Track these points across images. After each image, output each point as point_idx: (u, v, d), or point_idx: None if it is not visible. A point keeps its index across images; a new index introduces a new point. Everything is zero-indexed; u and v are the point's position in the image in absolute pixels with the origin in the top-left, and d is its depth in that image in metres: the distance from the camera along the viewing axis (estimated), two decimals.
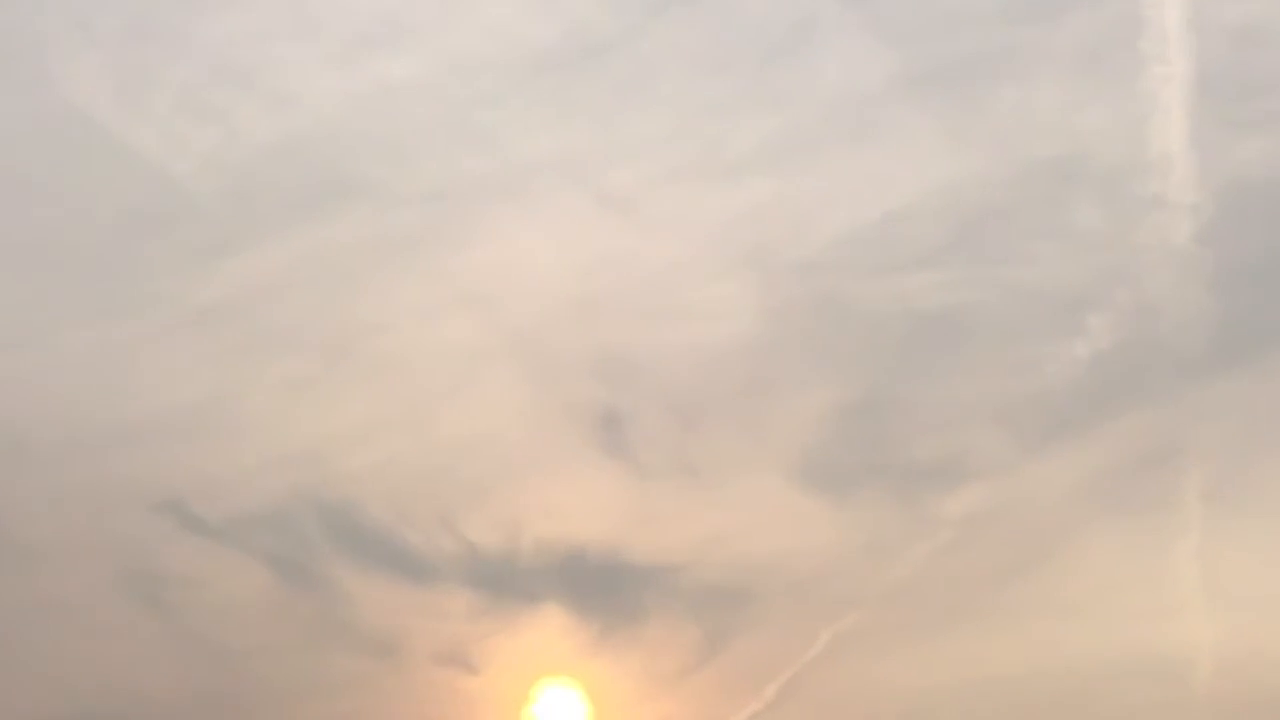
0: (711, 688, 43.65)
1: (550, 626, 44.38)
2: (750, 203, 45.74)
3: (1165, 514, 44.50)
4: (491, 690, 43.90)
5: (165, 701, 43.08)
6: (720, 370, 45.34)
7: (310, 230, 46.09)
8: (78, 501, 44.27)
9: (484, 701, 43.81)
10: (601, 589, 44.33)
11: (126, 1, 44.06)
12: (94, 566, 44.11)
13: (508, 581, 44.37)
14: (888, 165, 45.23)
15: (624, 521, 44.78)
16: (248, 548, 44.69)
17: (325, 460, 44.99)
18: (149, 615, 44.38)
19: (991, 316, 45.36)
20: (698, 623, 44.14)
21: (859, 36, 44.36)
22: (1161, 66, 42.96)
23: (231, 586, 44.57)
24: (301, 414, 44.91)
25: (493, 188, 45.91)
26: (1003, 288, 45.33)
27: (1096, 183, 44.79)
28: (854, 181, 45.61)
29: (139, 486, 44.49)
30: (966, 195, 45.10)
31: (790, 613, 43.93)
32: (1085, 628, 44.31)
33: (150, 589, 44.64)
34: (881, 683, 43.35)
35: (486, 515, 44.87)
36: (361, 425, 44.92)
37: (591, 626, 44.23)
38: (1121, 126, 43.97)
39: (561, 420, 44.90)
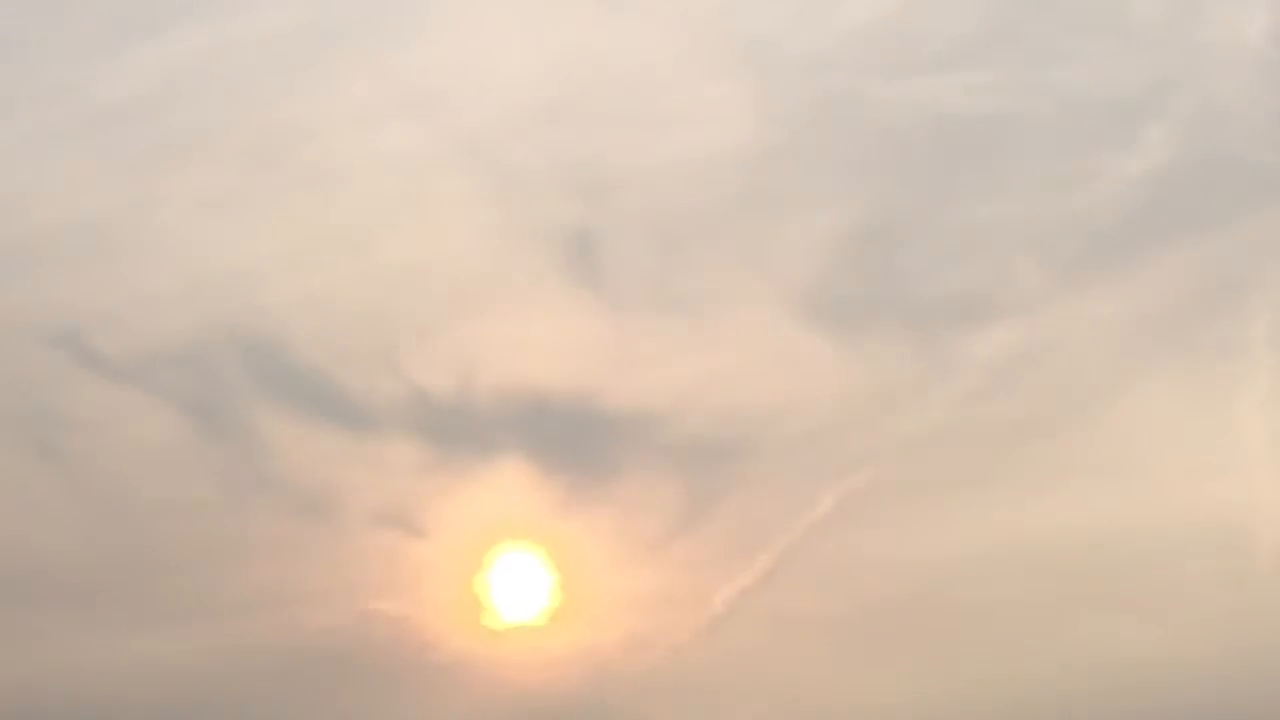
0: (696, 556, 41.00)
1: (510, 484, 41.24)
2: None
3: (1228, 359, 41.22)
4: (440, 556, 41.06)
5: (63, 565, 40.94)
6: (711, 186, 41.91)
7: (231, 16, 41.99)
8: None
9: (431, 569, 41.06)
10: (570, 441, 41.41)
11: None
12: None
13: (460, 431, 41.39)
14: None
15: (597, 363, 41.72)
16: (157, 388, 41.48)
17: (247, 288, 41.66)
18: (44, 465, 41.42)
19: (1029, 125, 41.82)
20: (681, 481, 41.20)
21: None
22: None
23: (139, 433, 41.37)
24: (220, 233, 41.68)
25: None
26: (1043, 91, 41.80)
27: None
28: None
29: (29, 316, 41.23)
30: None
31: (789, 470, 41.04)
32: (1131, 490, 41.11)
33: (45, 434, 41.53)
34: (892, 552, 40.81)
35: (436, 354, 41.70)
36: (290, 247, 41.61)
37: (558, 484, 41.36)
38: None
39: (524, 243, 41.77)
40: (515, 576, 41.02)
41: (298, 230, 41.47)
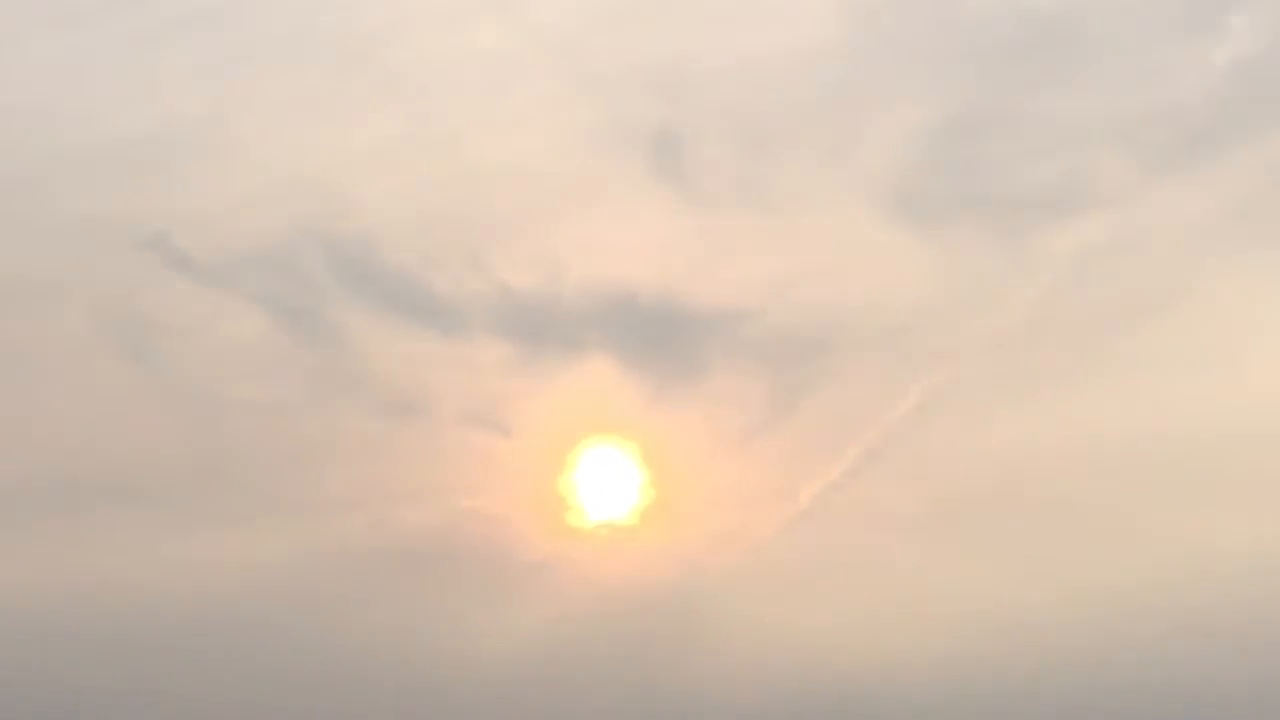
0: (784, 450, 40.97)
1: (596, 381, 41.25)
2: None
3: None
4: (527, 454, 41.14)
5: (153, 466, 41.27)
6: (795, 82, 41.44)
7: None
8: (48, 238, 41.24)
9: (519, 467, 41.23)
10: (657, 338, 41.31)
11: None
12: (70, 312, 41.38)
13: (547, 329, 41.42)
14: None
15: (682, 260, 41.51)
16: (245, 290, 41.65)
17: (333, 189, 41.50)
18: (134, 367, 41.52)
19: (1114, 15, 40.98)
20: (768, 376, 41.05)
21: None
22: None
23: (227, 334, 41.52)
24: (305, 134, 41.86)
25: None
26: None
27: None
28: None
29: (118, 220, 41.05)
30: None
31: (875, 365, 41.05)
32: (1218, 382, 40.79)
33: (135, 337, 41.75)
34: (979, 446, 40.89)
35: (522, 253, 41.66)
36: (375, 148, 41.29)
37: (644, 381, 41.23)
38: None
39: (609, 142, 41.57)
40: (602, 474, 40.85)
41: (383, 131, 41.47)
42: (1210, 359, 40.59)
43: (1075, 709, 38.87)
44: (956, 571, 40.24)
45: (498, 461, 41.26)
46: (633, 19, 41.06)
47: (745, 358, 41.24)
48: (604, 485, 41.03)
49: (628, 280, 41.37)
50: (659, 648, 39.98)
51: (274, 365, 41.58)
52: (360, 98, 41.50)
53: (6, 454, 40.58)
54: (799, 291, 41.51)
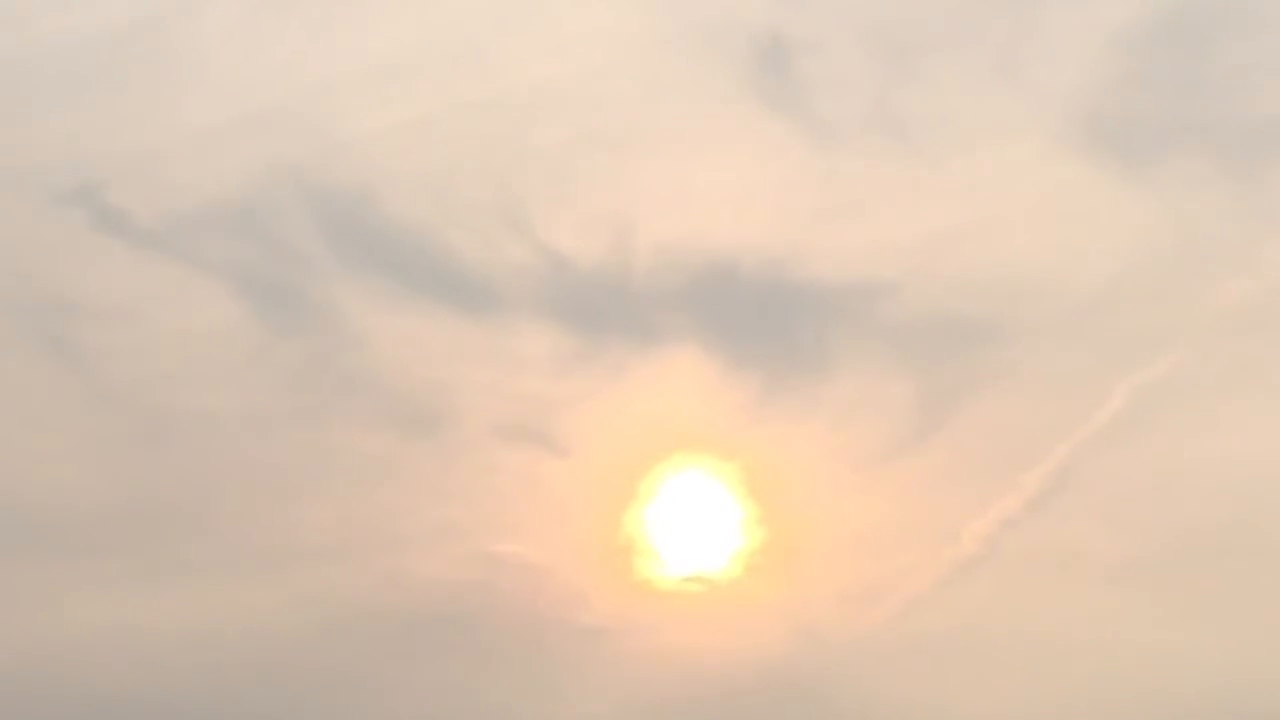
0: (937, 477, 37.62)
1: (680, 383, 38.06)
2: None
3: None
4: (587, 482, 37.85)
5: (82, 499, 37.40)
6: None
7: None
8: None
9: (576, 499, 37.76)
10: (761, 323, 38.48)
11: None
12: None
13: (612, 313, 38.49)
14: None
15: (797, 216, 38.37)
16: (202, 259, 38.40)
17: (321, 119, 38.52)
18: (53, 366, 38.21)
19: None
20: (915, 375, 37.91)
21: None
22: None
23: (179, 320, 38.17)
24: (283, 44, 38.77)
25: None
26: None
27: None
28: None
29: (30, 166, 37.95)
30: None
31: (1063, 357, 37.57)
32: None
33: (54, 324, 38.43)
34: (1205, 465, 36.54)
35: (577, 207, 38.54)
36: (378, 62, 38.37)
37: (746, 383, 37.95)
38: None
39: (695, 53, 38.22)
40: (689, 509, 37.66)
41: (388, 39, 38.56)
42: None
43: None
44: (1178, 639, 36.27)
45: (546, 491, 38.20)
46: None
47: (885, 348, 38.25)
48: (691, 524, 37.78)
49: (722, 244, 38.27)
50: None
51: (243, 363, 38.56)
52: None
53: None
54: (957, 257, 38.48)
